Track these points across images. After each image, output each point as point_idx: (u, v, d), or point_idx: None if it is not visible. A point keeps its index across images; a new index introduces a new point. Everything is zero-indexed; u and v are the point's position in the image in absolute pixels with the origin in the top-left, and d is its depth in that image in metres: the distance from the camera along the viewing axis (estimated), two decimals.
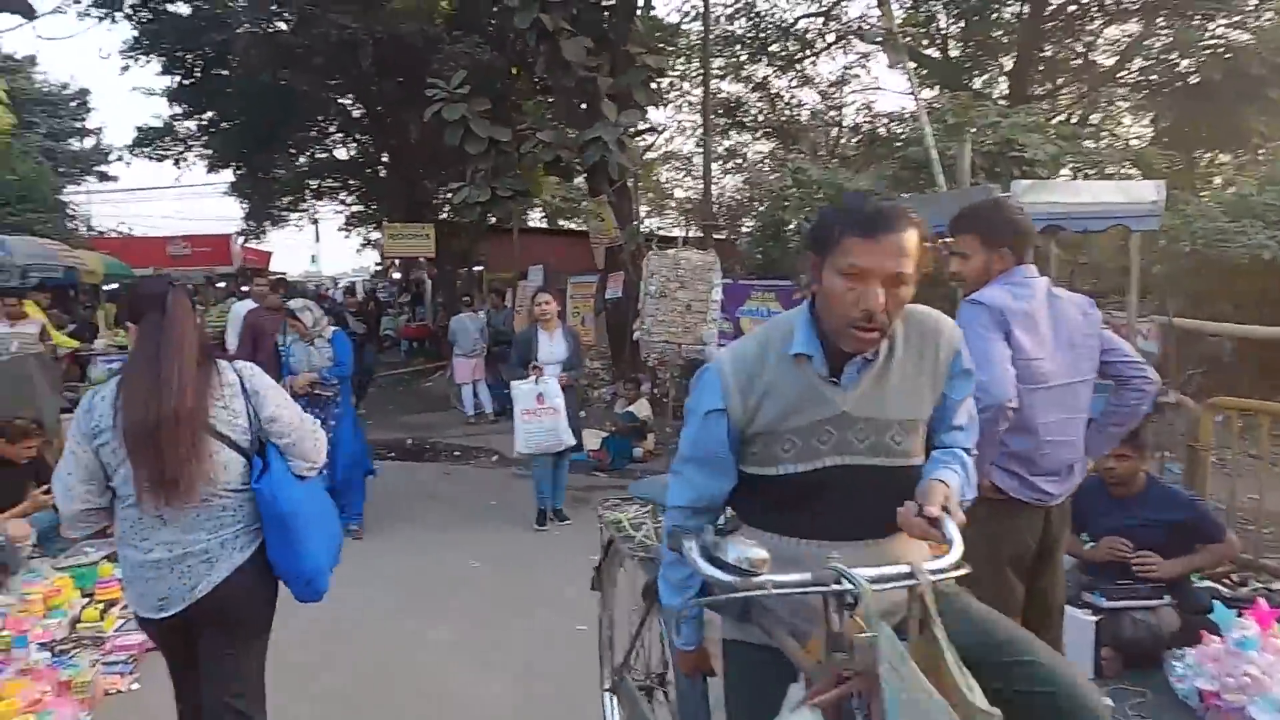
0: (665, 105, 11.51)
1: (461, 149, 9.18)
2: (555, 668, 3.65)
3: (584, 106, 10.11)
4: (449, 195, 16.28)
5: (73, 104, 25.51)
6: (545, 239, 17.16)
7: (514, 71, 13.08)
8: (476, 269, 18.31)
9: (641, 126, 10.72)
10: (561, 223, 26.26)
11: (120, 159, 25.39)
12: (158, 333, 2.07)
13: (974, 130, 7.23)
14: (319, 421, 2.46)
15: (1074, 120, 14.45)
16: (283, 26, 14.03)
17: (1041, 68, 15.93)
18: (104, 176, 27.04)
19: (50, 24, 72.85)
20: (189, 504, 2.05)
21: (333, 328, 5.51)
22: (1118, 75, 15.44)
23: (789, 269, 7.22)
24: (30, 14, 7.64)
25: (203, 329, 2.28)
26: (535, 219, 23.54)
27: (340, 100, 17.36)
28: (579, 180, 27.12)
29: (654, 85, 9.73)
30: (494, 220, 16.71)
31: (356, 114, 18.43)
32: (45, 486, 4.46)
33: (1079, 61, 16.17)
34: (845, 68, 15.65)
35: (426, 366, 16.03)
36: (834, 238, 1.47)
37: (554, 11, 8.53)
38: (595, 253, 10.76)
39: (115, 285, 18.00)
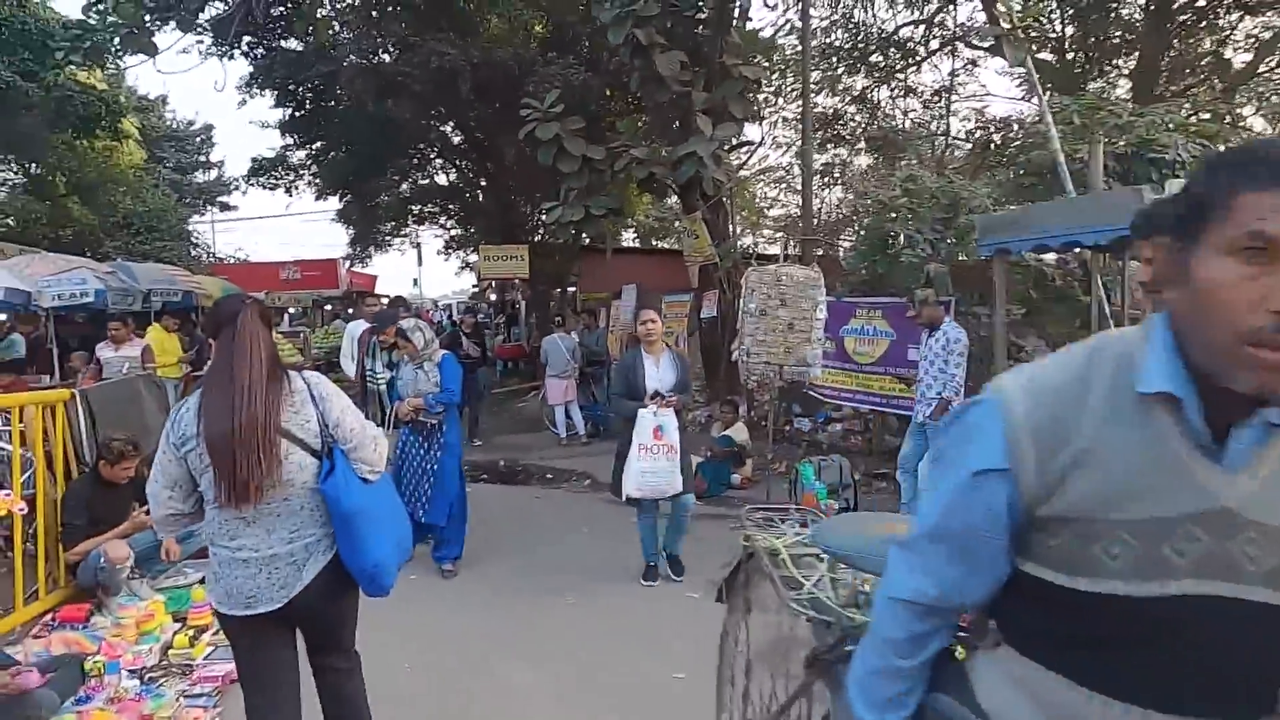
0: (761, 119, 11.17)
1: (555, 168, 9.10)
2: (651, 717, 3.35)
3: (677, 123, 9.91)
4: (542, 216, 16.38)
5: (198, 139, 27.23)
6: (638, 258, 17.03)
7: (608, 93, 13.07)
8: (570, 289, 18.40)
9: (737, 140, 10.41)
10: (654, 242, 26.26)
11: (238, 188, 26.87)
12: (231, 346, 2.23)
13: (1102, 132, 6.60)
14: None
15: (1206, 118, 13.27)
16: (386, 58, 14.51)
17: (1167, 67, 14.77)
18: (225, 207, 28.72)
19: (172, 61, 78.81)
20: (267, 503, 2.21)
21: (443, 351, 5.16)
22: (1257, 72, 14.18)
23: (898, 285, 6.73)
24: (153, 51, 7.96)
25: (272, 342, 2.36)
26: (628, 239, 23.59)
27: (440, 127, 17.82)
28: (672, 199, 27.05)
29: (750, 98, 9.41)
30: (587, 240, 16.95)
31: (456, 141, 18.91)
32: (146, 507, 4.49)
33: (1210, 60, 14.94)
34: (951, 74, 14.88)
35: (521, 387, 16.10)
36: (1221, 198, 0.90)
37: (648, 25, 8.37)
38: (689, 271, 10.48)
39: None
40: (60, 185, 18.03)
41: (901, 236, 6.28)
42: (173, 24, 8.99)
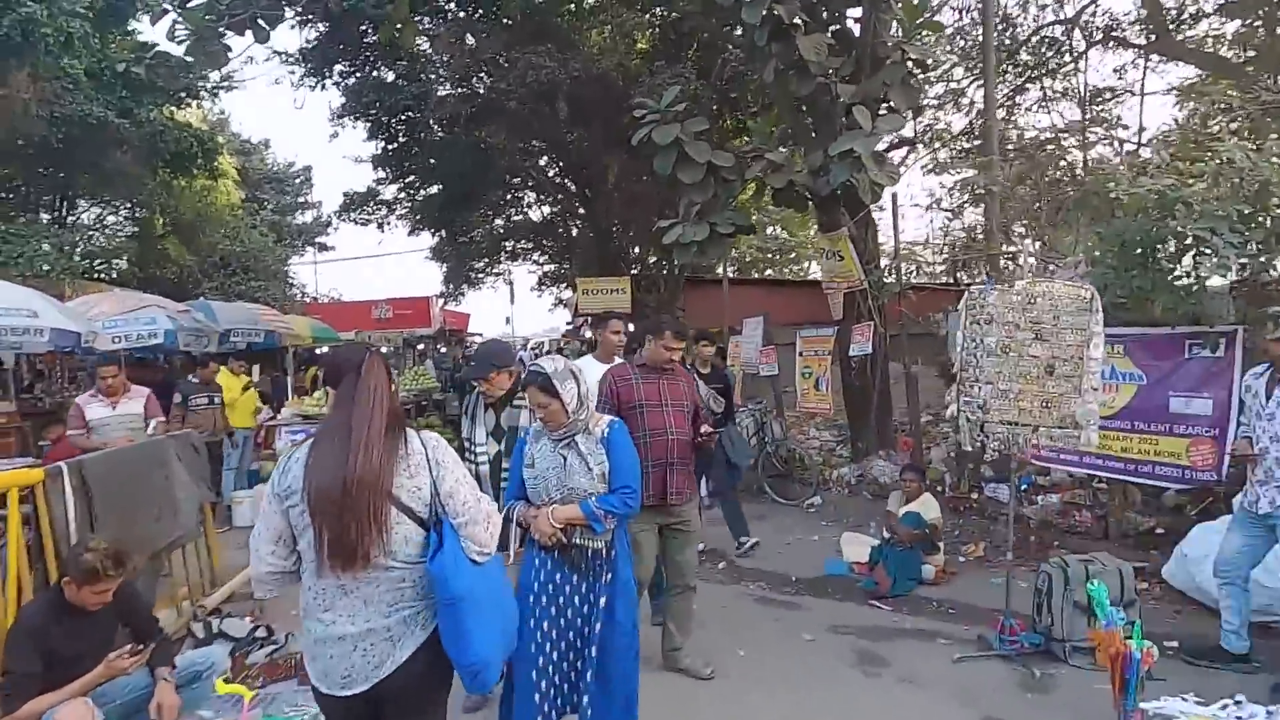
0: (923, 111, 9.40)
1: (674, 179, 7.62)
2: None
3: (811, 125, 8.31)
4: (661, 236, 14.98)
5: (298, 180, 27.34)
6: (753, 289, 15.38)
7: (715, 108, 11.70)
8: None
9: (898, 138, 8.72)
10: (752, 274, 24.60)
11: (330, 224, 26.78)
12: (351, 398, 2.03)
13: None
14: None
15: None
16: (479, 80, 13.58)
17: None
18: (323, 247, 28.72)
19: (266, 94, 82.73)
20: (368, 573, 1.98)
21: (608, 417, 3.12)
22: None
23: (1171, 312, 4.85)
24: (222, 61, 6.96)
25: (395, 396, 2.16)
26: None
27: (535, 157, 16.85)
28: (769, 231, 25.39)
29: (915, 85, 7.70)
30: (676, 269, 15.54)
31: (551, 173, 17.94)
32: (130, 646, 3.07)
33: None
34: (1115, 70, 12.76)
35: None
36: None
37: (790, 1, 6.84)
38: (829, 300, 8.77)
39: (324, 349, 18.37)
40: (159, 225, 17.82)
41: (1187, 241, 4.41)
42: (248, 34, 7.91)
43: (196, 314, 10.18)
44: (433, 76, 14.89)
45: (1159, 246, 4.65)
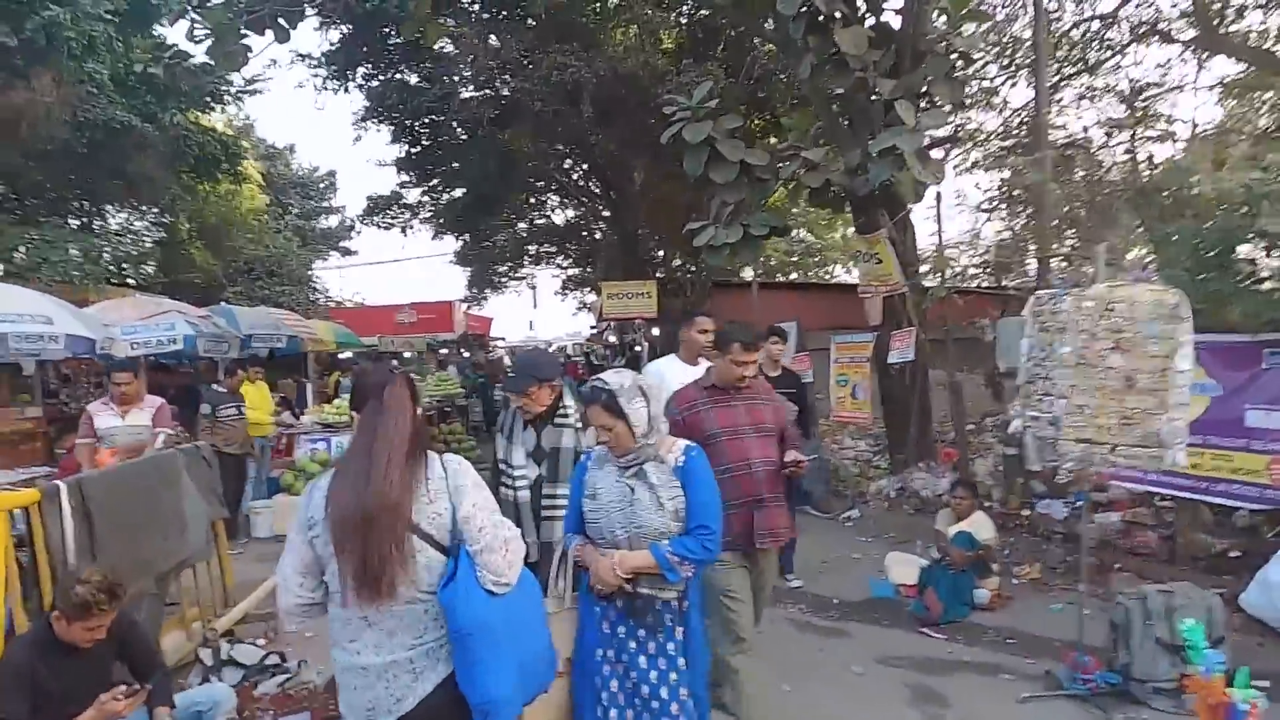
0: (967, 106, 8.97)
1: (705, 179, 7.31)
2: None
3: (848, 122, 7.96)
4: (691, 238, 14.69)
5: (322, 185, 27.35)
6: (781, 294, 15.00)
7: (742, 109, 11.37)
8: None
9: (942, 134, 8.35)
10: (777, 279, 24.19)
11: (353, 228, 26.75)
12: (373, 426, 1.97)
13: None
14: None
15: None
16: (504, 90, 13.36)
17: None
18: (346, 252, 28.70)
19: (289, 95, 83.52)
20: (391, 604, 1.90)
21: (684, 442, 2.59)
22: None
23: (1252, 318, 4.46)
24: (241, 63, 6.77)
25: (419, 418, 2.06)
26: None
27: (559, 157, 16.61)
28: (795, 234, 25.00)
29: (960, 79, 7.33)
30: (715, 274, 15.23)
31: (574, 176, 17.71)
32: (124, 686, 2.82)
33: None
34: (1159, 66, 12.25)
35: None
36: None
37: None
38: (867, 305, 8.41)
39: (349, 354, 18.26)
40: (183, 230, 17.80)
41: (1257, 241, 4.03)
42: (269, 34, 7.72)
43: (217, 319, 10.03)
44: (456, 79, 14.70)
45: (1237, 247, 4.26)
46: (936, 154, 9.00)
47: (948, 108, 7.22)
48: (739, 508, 3.07)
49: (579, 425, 2.95)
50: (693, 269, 14.62)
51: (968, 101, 8.77)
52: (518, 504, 2.98)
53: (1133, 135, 8.30)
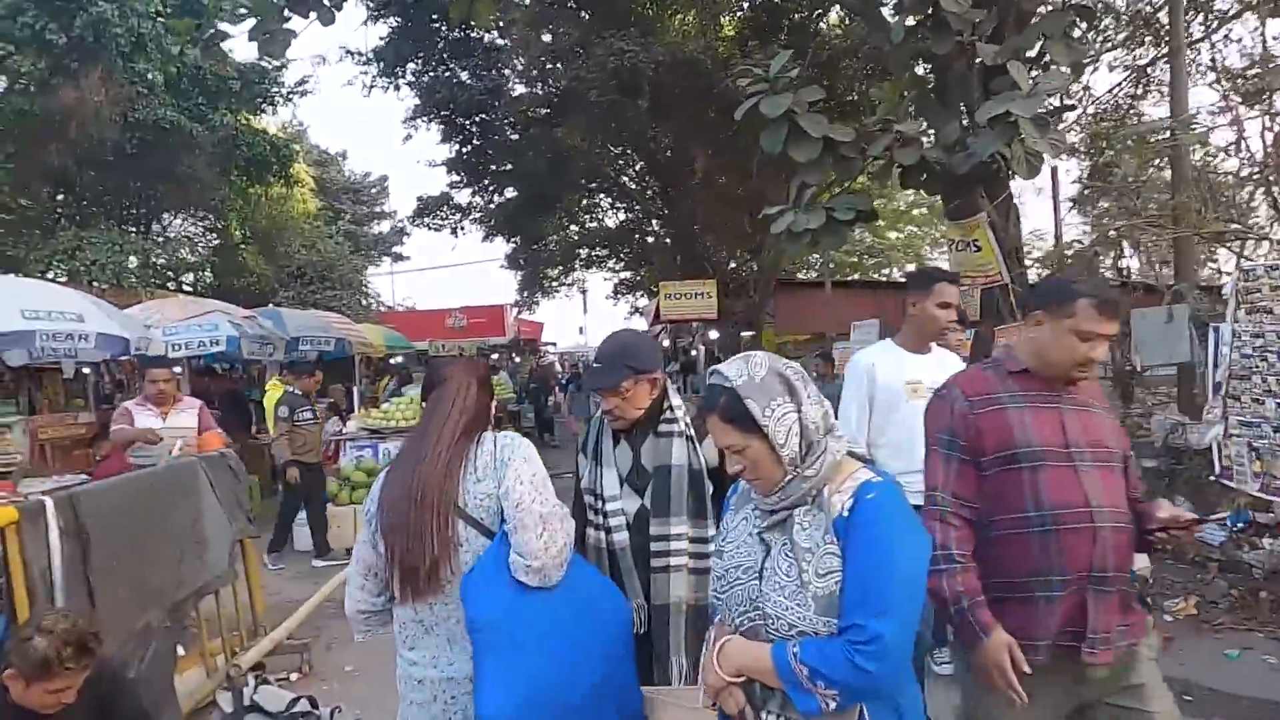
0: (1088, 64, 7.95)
1: (783, 160, 6.58)
2: None
3: (942, 94, 7.15)
4: (764, 226, 13.96)
5: (374, 190, 27.29)
6: (853, 293, 14.09)
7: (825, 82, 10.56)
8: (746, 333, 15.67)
9: (1059, 101, 7.45)
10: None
11: (404, 231, 26.58)
12: (433, 406, 1.88)
13: None
14: (565, 509, 1.85)
15: None
16: (557, 82, 12.85)
17: None
18: (398, 257, 28.61)
19: (338, 95, 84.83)
20: (446, 605, 1.73)
21: (867, 473, 1.49)
22: None
23: None
24: (284, 48, 6.27)
25: (482, 400, 1.92)
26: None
27: (613, 158, 16.05)
28: (855, 234, 23.88)
29: (1080, 39, 6.48)
30: (778, 272, 14.42)
31: (630, 174, 17.12)
32: None
33: None
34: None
35: None
36: None
37: None
38: (963, 300, 7.55)
39: (399, 359, 17.92)
40: (235, 234, 17.68)
41: None
42: (312, 16, 7.24)
43: (264, 321, 9.63)
44: (507, 72, 14.25)
45: None
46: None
47: (1066, 70, 6.36)
48: (1067, 587, 1.82)
49: (690, 432, 2.06)
50: (754, 267, 13.86)
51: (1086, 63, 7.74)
52: (613, 550, 2.07)
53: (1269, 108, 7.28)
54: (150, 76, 12.21)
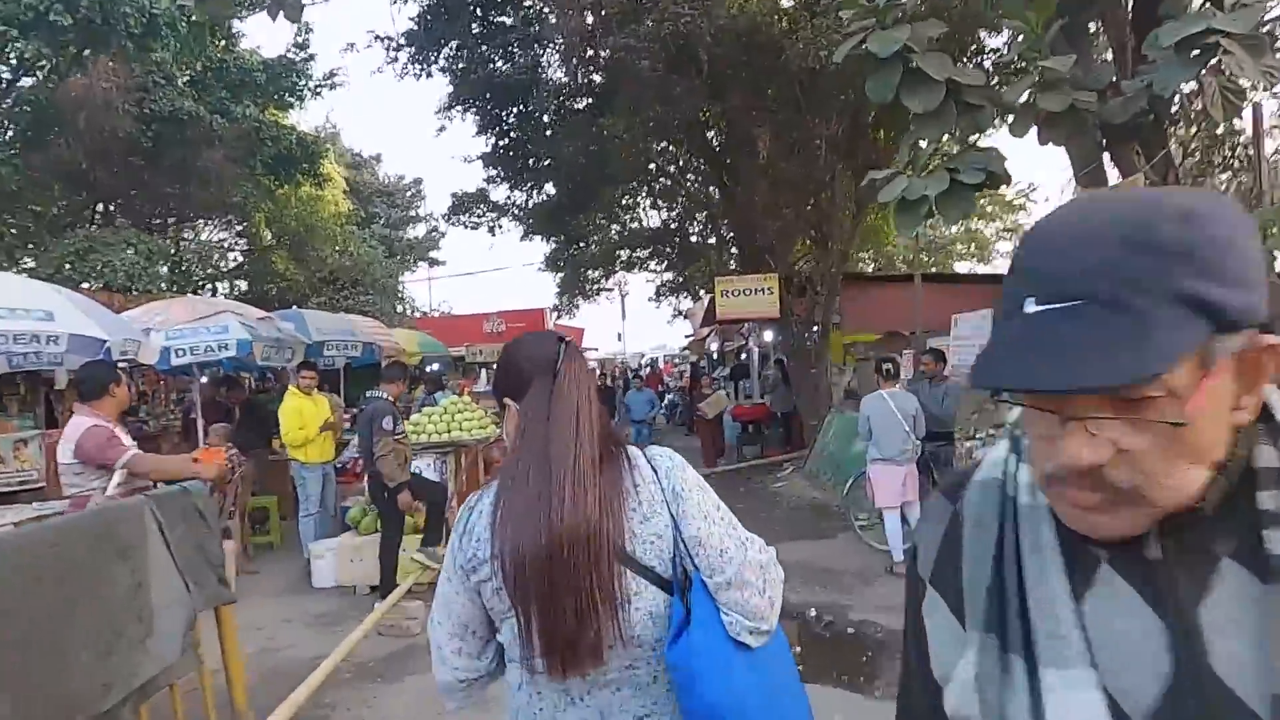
0: None
1: (894, 111, 5.36)
2: None
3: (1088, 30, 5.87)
4: (820, 226, 12.68)
5: (408, 193, 26.52)
6: (947, 289, 12.69)
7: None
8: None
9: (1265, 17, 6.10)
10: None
11: (436, 230, 25.71)
12: (545, 411, 1.34)
13: None
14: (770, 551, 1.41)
15: None
16: (601, 54, 11.77)
17: None
18: (434, 262, 27.82)
19: (366, 82, 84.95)
20: (603, 672, 1.29)
21: None
22: None
23: None
24: (297, 16, 5.18)
25: (601, 404, 1.40)
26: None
27: (658, 149, 14.90)
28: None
29: None
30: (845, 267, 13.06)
31: (674, 169, 15.96)
32: None
33: None
34: None
35: (775, 458, 12.28)
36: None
37: None
38: None
39: (436, 365, 16.97)
40: (264, 236, 16.88)
41: None
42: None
43: (282, 323, 8.64)
44: (545, 46, 13.17)
45: None
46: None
47: None
48: None
49: None
50: (815, 263, 12.55)
51: None
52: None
53: None
54: (166, 63, 11.39)
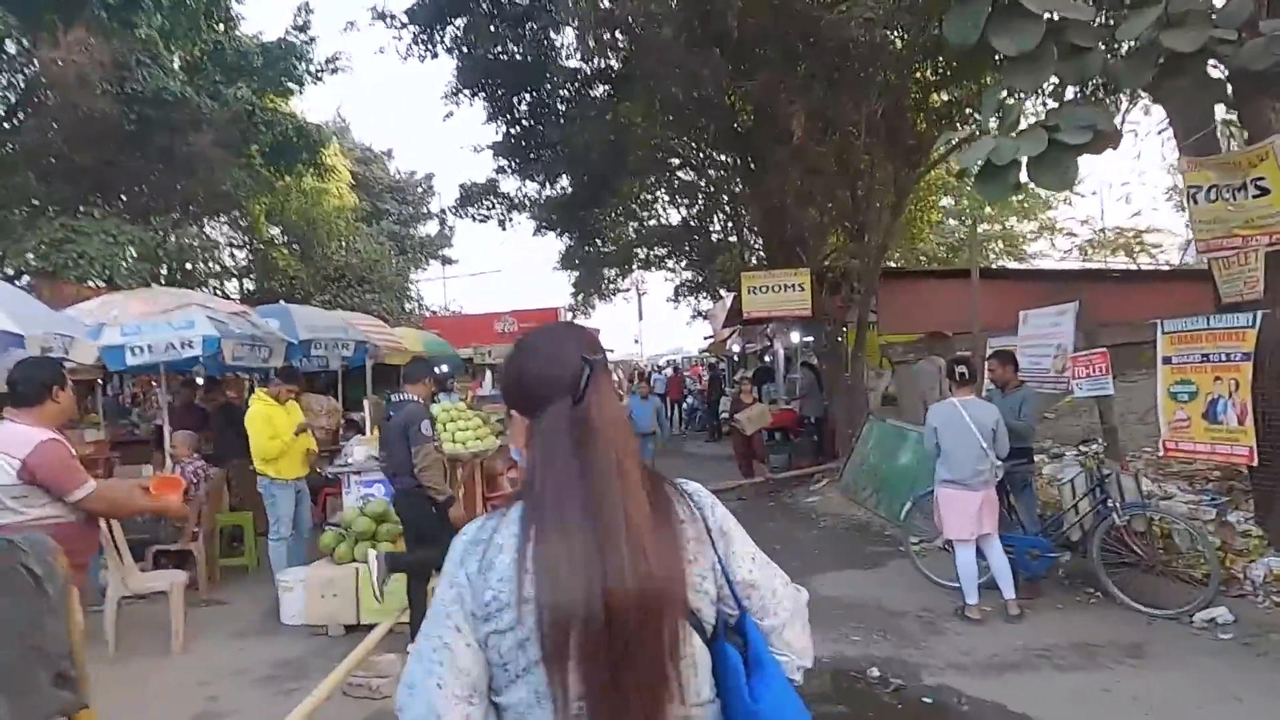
0: None
1: (978, 58, 4.35)
2: None
3: None
4: (854, 216, 11.70)
5: (419, 189, 25.71)
6: (1008, 285, 11.59)
7: None
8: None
9: None
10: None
11: (444, 221, 24.86)
12: (573, 442, 1.14)
13: None
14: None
15: None
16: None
17: None
18: (446, 260, 27.01)
19: (370, 61, 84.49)
20: None
21: None
22: None
23: None
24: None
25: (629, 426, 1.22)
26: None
27: (676, 141, 13.95)
28: (942, 222, 21.33)
29: None
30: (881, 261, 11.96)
31: (695, 160, 15.01)
32: None
33: None
34: None
35: (806, 470, 11.22)
36: None
37: None
38: (1221, 271, 5.22)
39: (444, 368, 16.08)
40: (263, 229, 16.06)
41: None
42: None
43: (264, 319, 7.74)
44: (557, 37, 12.31)
45: None
46: None
47: None
48: None
49: None
50: (856, 255, 11.51)
51: None
52: None
53: None
54: (153, 42, 10.56)
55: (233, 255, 19.32)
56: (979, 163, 4.39)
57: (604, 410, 1.16)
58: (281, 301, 12.18)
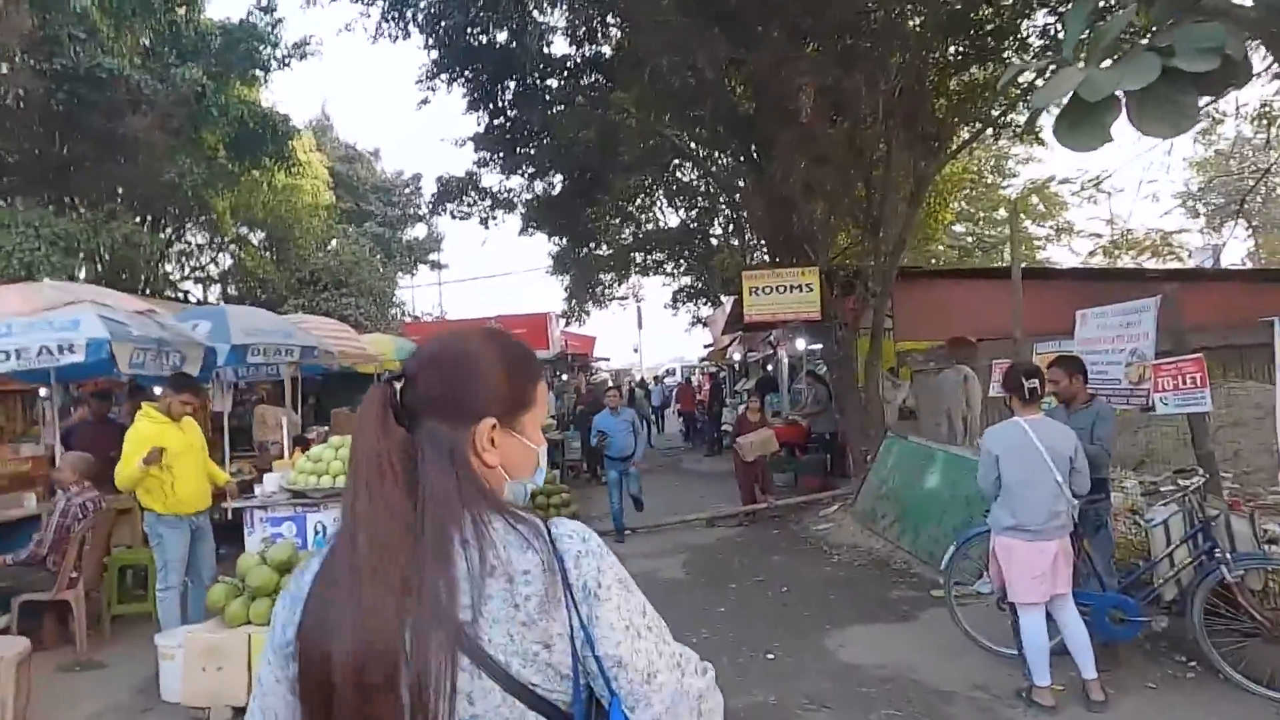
0: None
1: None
2: None
3: None
4: (869, 207, 10.57)
5: (406, 190, 24.64)
6: (1053, 285, 10.43)
7: None
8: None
9: None
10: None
11: (424, 216, 23.74)
12: (363, 469, 1.01)
13: None
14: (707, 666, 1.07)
15: None
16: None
17: None
18: (435, 265, 25.93)
19: (338, 43, 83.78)
20: None
21: None
22: None
23: None
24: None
25: (462, 456, 1.02)
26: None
27: (672, 134, 12.85)
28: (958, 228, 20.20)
29: None
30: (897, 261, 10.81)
31: (693, 153, 13.90)
32: None
33: None
34: None
35: (815, 494, 10.01)
36: None
37: None
38: None
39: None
40: (229, 228, 14.93)
41: None
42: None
43: (169, 321, 6.58)
44: (540, 17, 11.22)
45: None
46: None
47: None
48: None
49: None
50: (869, 253, 10.37)
51: None
52: None
53: None
54: (89, 15, 9.46)
55: (215, 260, 18.29)
56: (1061, 102, 3.24)
57: (375, 433, 1.01)
58: (250, 306, 11.11)
